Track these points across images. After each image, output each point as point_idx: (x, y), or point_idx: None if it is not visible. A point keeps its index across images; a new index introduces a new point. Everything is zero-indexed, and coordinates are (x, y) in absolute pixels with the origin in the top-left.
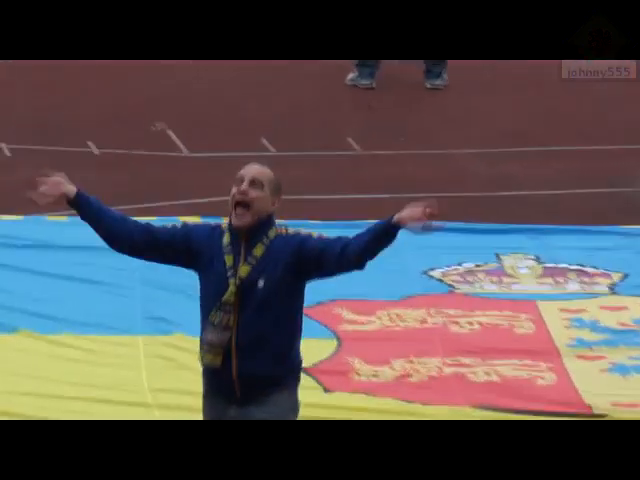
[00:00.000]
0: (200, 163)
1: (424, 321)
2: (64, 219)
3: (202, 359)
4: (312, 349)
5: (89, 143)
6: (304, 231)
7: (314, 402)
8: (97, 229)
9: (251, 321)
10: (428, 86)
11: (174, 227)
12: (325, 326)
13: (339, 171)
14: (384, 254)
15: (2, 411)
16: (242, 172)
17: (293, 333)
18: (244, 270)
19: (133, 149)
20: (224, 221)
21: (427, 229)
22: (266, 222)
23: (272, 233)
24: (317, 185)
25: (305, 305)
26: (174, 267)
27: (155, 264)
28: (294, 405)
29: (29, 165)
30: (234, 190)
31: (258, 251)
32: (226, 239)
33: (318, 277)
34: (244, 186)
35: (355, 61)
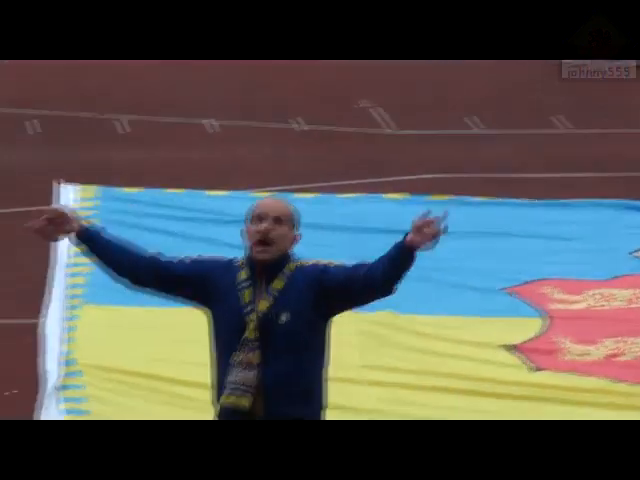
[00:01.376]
0: (405, 141)
1: (631, 301)
2: (267, 195)
3: (222, 401)
4: (520, 327)
5: (295, 119)
6: (323, 261)
7: (522, 380)
8: (103, 261)
9: (276, 358)
10: None
11: (186, 261)
12: (533, 305)
13: (546, 150)
14: (590, 234)
15: None
16: (261, 208)
17: (320, 372)
18: (263, 305)
19: (338, 126)
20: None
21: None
22: (286, 256)
23: (292, 266)
24: (523, 163)
25: (512, 284)
26: (379, 245)
27: (357, 243)
28: None
29: (236, 140)
30: (254, 228)
31: (278, 285)
32: (243, 275)
33: (342, 308)
34: (267, 224)
35: None
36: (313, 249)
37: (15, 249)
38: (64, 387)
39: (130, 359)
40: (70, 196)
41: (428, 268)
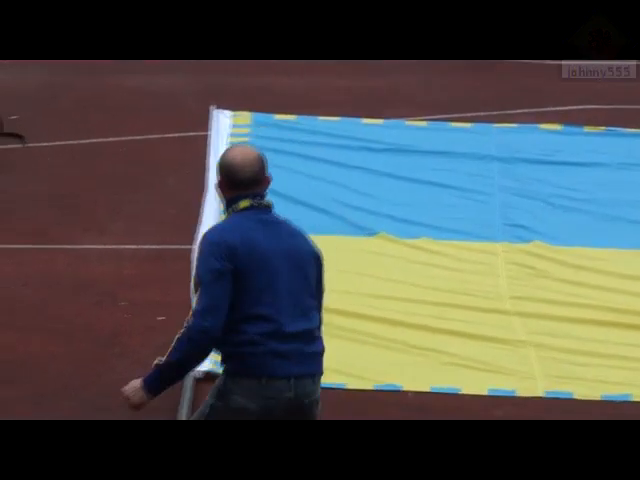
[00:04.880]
0: (558, 72)
1: None
2: (423, 124)
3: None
4: None
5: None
6: None
7: None
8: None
9: None
10: None
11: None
12: None
13: None
14: None
15: (358, 314)
16: None
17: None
18: None
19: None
20: None
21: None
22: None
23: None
24: None
25: None
26: (534, 175)
27: (512, 173)
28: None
29: (392, 69)
30: None
31: None
32: None
33: None
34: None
35: None
36: (473, 179)
37: (171, 173)
38: None
39: None
40: (226, 122)
41: (581, 200)
